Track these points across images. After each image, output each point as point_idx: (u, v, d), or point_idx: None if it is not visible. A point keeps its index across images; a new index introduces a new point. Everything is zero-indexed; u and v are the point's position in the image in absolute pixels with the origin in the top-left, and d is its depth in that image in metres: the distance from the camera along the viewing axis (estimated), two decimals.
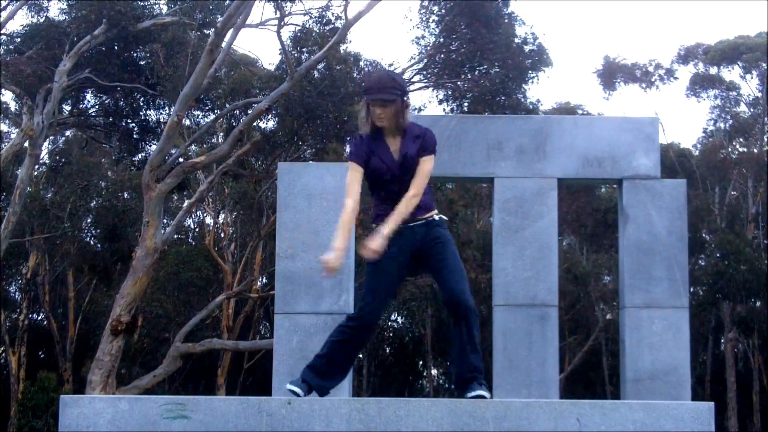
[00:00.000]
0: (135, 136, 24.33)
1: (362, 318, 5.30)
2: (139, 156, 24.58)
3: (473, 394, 5.08)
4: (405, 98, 5.31)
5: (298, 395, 5.10)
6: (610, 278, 32.38)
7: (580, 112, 32.35)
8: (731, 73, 33.83)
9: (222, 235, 30.99)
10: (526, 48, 23.22)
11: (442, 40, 23.23)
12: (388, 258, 5.29)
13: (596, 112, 34.85)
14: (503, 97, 22.59)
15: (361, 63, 23.17)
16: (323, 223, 8.36)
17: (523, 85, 23.38)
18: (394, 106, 5.23)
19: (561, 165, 8.59)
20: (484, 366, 5.37)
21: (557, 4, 63.59)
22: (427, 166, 5.36)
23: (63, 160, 29.43)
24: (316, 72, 21.57)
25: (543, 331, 8.35)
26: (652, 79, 33.51)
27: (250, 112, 20.42)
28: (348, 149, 5.56)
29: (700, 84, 33.64)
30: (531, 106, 23.78)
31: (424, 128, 5.43)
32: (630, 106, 56.59)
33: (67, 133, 29.36)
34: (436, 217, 5.38)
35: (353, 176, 5.34)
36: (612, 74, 33.45)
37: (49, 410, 23.84)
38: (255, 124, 22.04)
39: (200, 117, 24.61)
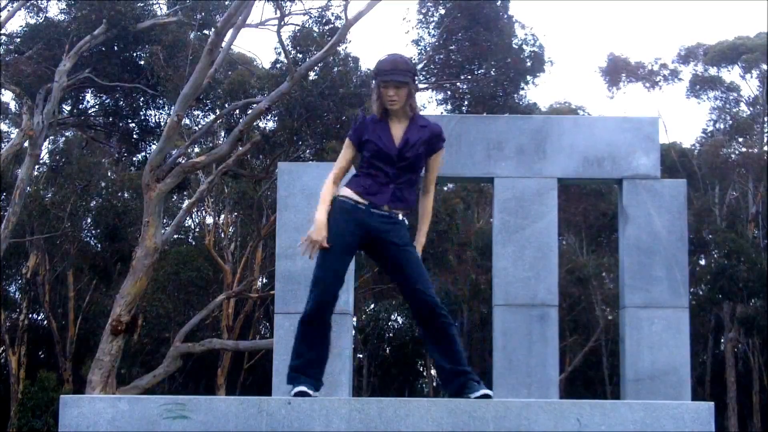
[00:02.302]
0: (135, 136, 24.34)
1: (317, 296, 5.19)
2: (139, 156, 24.58)
3: (478, 394, 5.04)
4: (416, 82, 5.37)
5: (308, 394, 5.04)
6: (611, 278, 32.38)
7: (581, 113, 32.35)
8: (731, 74, 33.87)
9: (222, 235, 30.99)
10: (526, 50, 23.22)
11: (441, 41, 23.23)
12: (340, 233, 5.23)
13: (598, 113, 34.86)
14: (502, 99, 22.60)
15: (361, 66, 23.19)
16: None
17: (522, 89, 23.38)
18: (407, 88, 5.25)
19: (561, 165, 8.59)
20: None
21: (557, 4, 63.62)
22: (438, 164, 5.48)
23: (63, 160, 29.42)
24: (314, 73, 21.57)
25: (543, 331, 8.35)
26: (656, 79, 33.49)
27: (249, 112, 20.42)
28: (352, 125, 5.48)
29: (700, 85, 33.64)
30: (530, 109, 23.79)
31: (429, 120, 5.46)
32: (632, 105, 56.63)
33: (67, 133, 29.36)
34: (400, 216, 5.30)
35: (344, 153, 5.43)
36: (617, 72, 33.43)
37: (49, 410, 23.82)
38: (255, 124, 22.05)
39: (200, 117, 24.62)
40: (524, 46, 23.19)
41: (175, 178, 18.37)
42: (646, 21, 71.45)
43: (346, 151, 5.43)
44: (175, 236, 28.77)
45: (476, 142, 8.62)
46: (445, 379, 5.21)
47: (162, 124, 23.20)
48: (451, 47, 23.42)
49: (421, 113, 5.51)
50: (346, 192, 5.32)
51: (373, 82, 5.33)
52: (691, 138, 56.38)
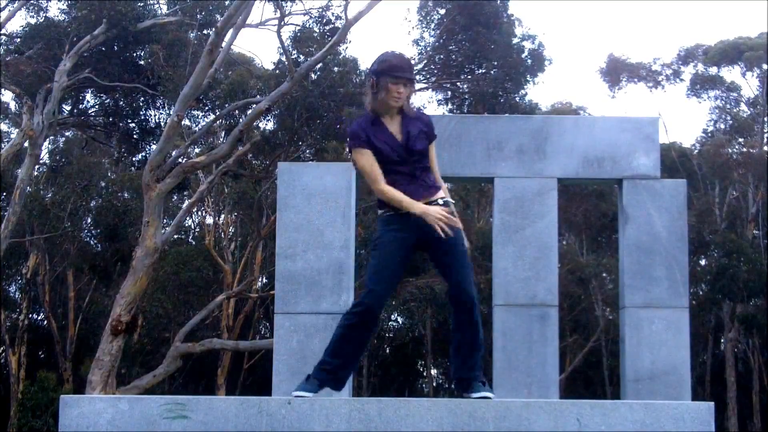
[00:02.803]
0: (135, 136, 24.33)
1: (369, 302, 5.20)
2: (139, 156, 24.57)
3: (478, 395, 5.06)
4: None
5: (303, 396, 5.08)
6: (611, 278, 32.38)
7: (582, 113, 32.35)
8: (731, 73, 33.83)
9: (222, 235, 30.99)
10: (526, 48, 23.20)
11: (441, 41, 23.22)
12: (393, 241, 5.25)
13: (599, 114, 34.84)
14: (502, 99, 22.58)
15: (361, 66, 23.17)
16: (323, 223, 8.36)
17: (523, 88, 23.35)
18: (412, 87, 5.32)
19: (561, 165, 8.59)
20: (484, 366, 5.35)
21: (557, 4, 63.63)
22: (434, 151, 5.48)
23: (63, 160, 29.42)
24: (314, 73, 21.56)
25: (543, 331, 8.35)
26: (659, 79, 33.46)
27: (249, 112, 20.42)
28: (349, 134, 5.40)
29: (700, 84, 33.61)
30: (531, 109, 23.76)
31: (419, 110, 5.51)
32: (633, 105, 56.61)
33: (67, 133, 29.36)
34: (441, 201, 5.31)
35: (369, 160, 5.26)
36: (616, 73, 33.39)
37: (48, 410, 23.83)
38: (255, 124, 22.05)
39: (200, 117, 24.62)
40: (524, 43, 23.16)
41: (175, 178, 18.36)
42: (646, 21, 71.46)
43: (367, 157, 5.26)
44: (175, 236, 28.77)
45: (476, 142, 8.62)
46: (453, 370, 5.31)
47: (162, 124, 23.19)
48: (451, 47, 23.41)
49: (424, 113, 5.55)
50: (384, 207, 5.33)
51: (375, 76, 5.29)
52: (691, 138, 56.37)
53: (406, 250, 5.30)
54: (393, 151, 5.26)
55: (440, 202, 5.30)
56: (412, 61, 23.47)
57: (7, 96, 27.72)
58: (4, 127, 29.34)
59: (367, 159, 5.26)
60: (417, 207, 5.18)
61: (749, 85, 33.71)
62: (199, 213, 31.84)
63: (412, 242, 5.29)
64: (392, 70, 5.23)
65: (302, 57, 21.46)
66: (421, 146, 5.31)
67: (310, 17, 21.81)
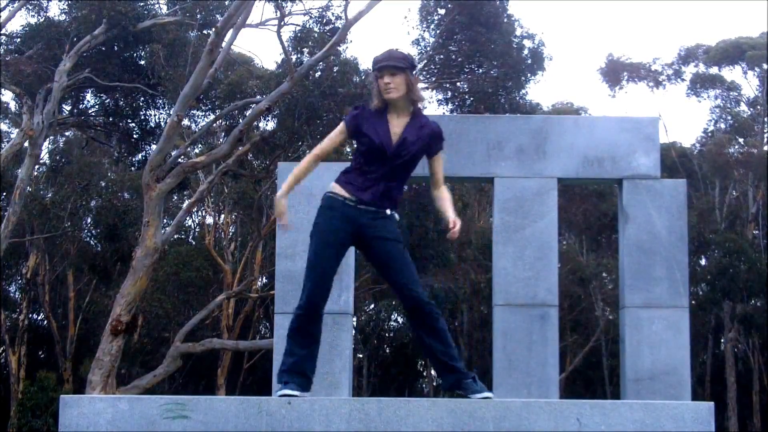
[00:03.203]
0: (135, 136, 24.32)
1: (308, 306, 5.20)
2: (139, 156, 24.57)
3: (479, 396, 5.05)
4: (414, 72, 5.27)
5: (295, 395, 5.05)
6: (611, 278, 32.39)
7: (583, 113, 32.36)
8: (732, 73, 33.83)
9: (222, 235, 30.99)
10: (525, 47, 23.20)
11: (441, 41, 23.22)
12: (328, 231, 5.23)
13: (600, 114, 34.82)
14: (503, 99, 22.57)
15: (361, 66, 23.18)
16: None
17: (523, 87, 23.34)
18: (403, 75, 5.17)
19: (561, 165, 8.59)
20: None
21: (557, 4, 63.65)
22: (441, 163, 5.43)
23: (63, 160, 29.42)
24: (317, 72, 21.56)
25: (543, 331, 8.35)
26: (659, 79, 33.44)
27: (248, 112, 20.42)
28: (350, 111, 5.45)
29: (701, 84, 33.60)
30: (532, 109, 23.75)
31: (429, 119, 5.42)
32: (633, 105, 56.62)
33: (67, 133, 29.35)
34: (388, 211, 5.27)
35: (334, 136, 5.40)
36: (616, 73, 33.38)
37: (48, 410, 23.84)
38: (255, 124, 22.03)
39: (200, 117, 24.61)
40: (524, 42, 23.15)
41: (175, 178, 18.36)
42: (646, 21, 71.45)
43: (337, 135, 5.38)
44: (175, 236, 28.76)
45: (476, 142, 8.62)
46: (439, 371, 5.29)
47: (162, 124, 23.19)
48: (451, 47, 23.40)
49: (423, 112, 5.45)
50: (336, 188, 5.32)
51: (373, 75, 5.31)
52: (692, 138, 56.38)
53: (343, 240, 5.26)
54: (381, 144, 5.19)
55: (388, 212, 5.27)
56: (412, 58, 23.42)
57: (7, 96, 27.74)
58: (4, 127, 29.35)
59: (335, 136, 5.40)
60: (277, 195, 5.40)
61: (750, 85, 33.74)
62: (199, 213, 31.85)
63: (349, 233, 5.24)
64: (374, 65, 5.22)
65: (303, 57, 21.45)
66: (409, 154, 5.22)
67: (310, 17, 21.81)
